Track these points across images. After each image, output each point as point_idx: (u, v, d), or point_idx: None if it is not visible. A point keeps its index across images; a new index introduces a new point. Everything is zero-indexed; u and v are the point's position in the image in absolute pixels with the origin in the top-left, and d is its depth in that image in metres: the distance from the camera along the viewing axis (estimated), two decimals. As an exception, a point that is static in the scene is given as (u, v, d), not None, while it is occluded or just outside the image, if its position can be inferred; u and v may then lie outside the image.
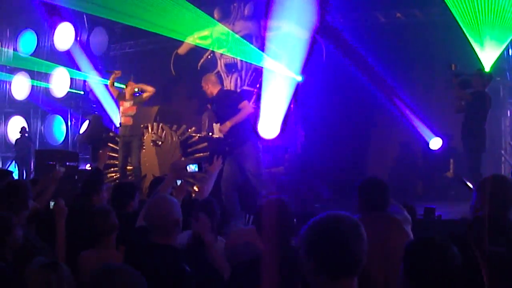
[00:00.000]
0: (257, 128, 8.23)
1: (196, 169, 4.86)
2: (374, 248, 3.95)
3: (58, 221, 4.81)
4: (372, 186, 4.34)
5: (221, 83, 14.25)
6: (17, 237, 4.11)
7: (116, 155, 10.82)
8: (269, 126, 9.63)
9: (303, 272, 2.36)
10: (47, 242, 4.68)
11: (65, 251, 4.72)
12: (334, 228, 2.29)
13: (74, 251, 4.50)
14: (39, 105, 17.67)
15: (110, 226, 4.40)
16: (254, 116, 9.05)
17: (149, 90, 10.90)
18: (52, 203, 5.07)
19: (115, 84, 11.32)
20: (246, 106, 8.13)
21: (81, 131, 13.99)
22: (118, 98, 10.98)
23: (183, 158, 10.25)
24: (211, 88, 8.23)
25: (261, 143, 8.08)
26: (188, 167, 4.92)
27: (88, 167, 14.14)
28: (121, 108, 10.83)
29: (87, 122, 13.97)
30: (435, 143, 10.90)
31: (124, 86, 11.07)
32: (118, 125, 12.49)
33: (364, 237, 2.36)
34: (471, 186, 8.42)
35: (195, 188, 9.75)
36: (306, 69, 12.89)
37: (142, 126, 11.08)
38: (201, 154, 10.52)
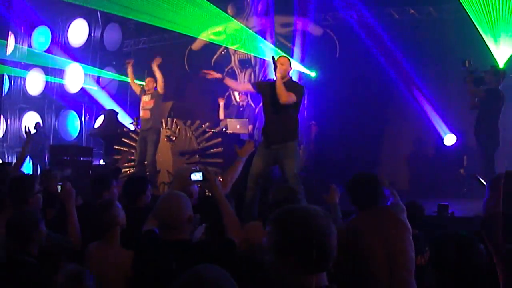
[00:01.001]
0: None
1: (201, 178, 4.71)
2: (374, 242, 4.02)
3: (67, 203, 4.81)
4: (361, 184, 4.32)
5: (235, 78, 14.31)
6: (43, 232, 4.13)
7: (133, 151, 10.88)
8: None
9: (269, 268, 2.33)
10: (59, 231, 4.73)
11: (80, 234, 4.75)
12: (311, 223, 2.25)
13: (84, 245, 4.48)
14: (54, 100, 17.76)
15: (111, 220, 4.35)
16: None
17: (158, 76, 10.79)
18: (59, 187, 5.04)
19: (135, 81, 11.27)
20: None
21: (96, 125, 14.03)
22: (140, 94, 10.98)
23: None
24: (289, 69, 7.58)
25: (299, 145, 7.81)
26: (192, 175, 4.77)
27: (101, 162, 14.21)
28: (141, 103, 10.85)
29: (102, 117, 14.01)
30: (450, 139, 10.90)
31: (144, 83, 11.07)
32: (132, 121, 12.57)
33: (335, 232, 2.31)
34: (484, 183, 8.40)
35: (220, 179, 9.71)
36: (320, 65, 12.94)
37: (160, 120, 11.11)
38: (215, 149, 10.55)
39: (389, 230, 4.08)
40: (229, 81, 8.04)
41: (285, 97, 7.20)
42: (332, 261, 2.27)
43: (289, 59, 7.55)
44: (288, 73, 7.45)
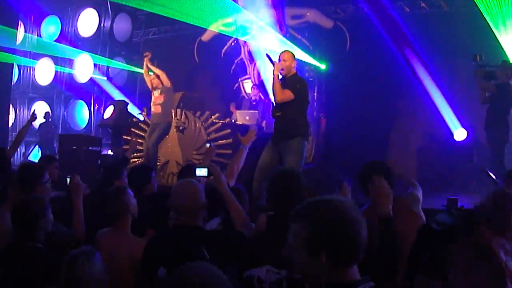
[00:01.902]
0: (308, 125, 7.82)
1: (206, 174, 4.69)
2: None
3: (74, 197, 4.80)
4: (372, 172, 4.12)
5: (245, 70, 14.31)
6: (50, 219, 4.13)
7: (141, 141, 10.89)
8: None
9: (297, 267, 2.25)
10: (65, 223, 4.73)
11: (84, 228, 4.75)
12: (345, 217, 2.17)
13: (94, 233, 4.49)
14: (63, 90, 17.79)
15: (124, 207, 4.35)
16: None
17: (157, 72, 10.68)
18: (68, 180, 5.04)
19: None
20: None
21: (106, 116, 14.03)
22: (151, 89, 10.91)
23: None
24: (293, 64, 7.56)
25: (307, 141, 7.74)
26: (197, 171, 4.76)
27: (110, 152, 14.21)
28: (152, 97, 10.78)
29: (111, 107, 14.01)
30: (460, 134, 10.87)
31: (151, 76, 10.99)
32: (140, 112, 12.60)
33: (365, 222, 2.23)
34: (494, 177, 8.39)
35: (226, 172, 9.69)
36: (330, 57, 12.92)
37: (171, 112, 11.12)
38: (224, 140, 10.55)
39: (402, 221, 4.05)
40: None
41: (279, 95, 7.26)
42: (363, 253, 2.19)
43: (292, 54, 7.55)
44: (293, 69, 7.46)
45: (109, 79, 16.87)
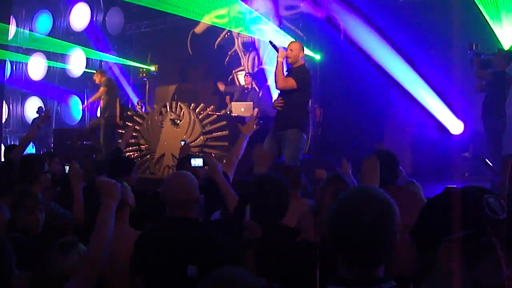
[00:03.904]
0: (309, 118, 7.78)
1: (201, 164, 4.67)
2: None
3: (74, 185, 4.82)
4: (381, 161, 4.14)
5: (239, 62, 14.27)
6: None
7: (137, 128, 10.93)
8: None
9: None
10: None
11: (84, 214, 4.78)
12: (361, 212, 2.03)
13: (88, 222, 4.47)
14: (55, 85, 17.75)
15: (123, 200, 4.32)
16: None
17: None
18: (67, 168, 5.06)
19: None
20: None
21: (99, 113, 14.02)
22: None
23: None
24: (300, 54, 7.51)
25: (306, 134, 7.69)
26: (192, 161, 4.73)
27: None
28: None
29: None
30: (456, 127, 10.82)
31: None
32: (138, 101, 12.69)
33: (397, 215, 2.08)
34: (491, 165, 8.38)
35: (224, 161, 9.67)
36: (324, 48, 12.87)
37: (159, 105, 11.11)
38: (220, 132, 10.51)
39: (411, 209, 3.98)
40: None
41: (281, 82, 7.26)
42: (392, 250, 2.07)
43: (301, 45, 7.53)
44: (300, 59, 7.43)
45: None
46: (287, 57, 7.32)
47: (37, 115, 16.32)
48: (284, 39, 11.69)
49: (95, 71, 14.29)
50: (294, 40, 7.93)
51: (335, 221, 2.07)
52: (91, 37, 16.56)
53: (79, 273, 2.99)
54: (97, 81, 12.70)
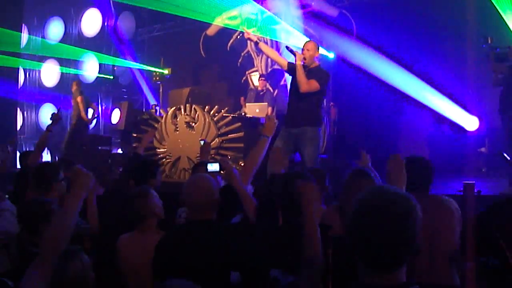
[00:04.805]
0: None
1: (218, 169, 4.58)
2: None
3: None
4: (413, 165, 3.94)
5: (252, 62, 14.24)
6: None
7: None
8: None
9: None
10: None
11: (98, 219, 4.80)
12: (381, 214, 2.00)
13: (116, 235, 4.37)
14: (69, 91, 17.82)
15: (148, 210, 4.21)
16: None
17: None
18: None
19: None
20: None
21: (114, 120, 14.00)
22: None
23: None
24: (316, 54, 7.50)
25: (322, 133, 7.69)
26: (209, 166, 4.63)
27: (119, 151, 14.19)
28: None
29: (117, 110, 13.99)
30: (472, 124, 10.74)
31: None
32: (153, 105, 12.66)
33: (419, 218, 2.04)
34: (509, 159, 8.30)
35: (241, 163, 9.64)
36: (337, 45, 12.80)
37: (173, 108, 11.08)
38: (235, 134, 10.48)
39: (438, 218, 3.91)
40: (263, 46, 7.97)
41: (305, 85, 7.22)
42: (411, 254, 2.04)
43: (316, 45, 7.52)
44: (316, 59, 7.43)
45: (116, 78, 16.88)
46: (304, 58, 7.29)
47: (51, 121, 16.35)
48: (297, 39, 11.65)
49: (111, 77, 14.44)
50: (309, 40, 7.89)
51: (355, 222, 2.05)
52: (115, 40, 16.59)
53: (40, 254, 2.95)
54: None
